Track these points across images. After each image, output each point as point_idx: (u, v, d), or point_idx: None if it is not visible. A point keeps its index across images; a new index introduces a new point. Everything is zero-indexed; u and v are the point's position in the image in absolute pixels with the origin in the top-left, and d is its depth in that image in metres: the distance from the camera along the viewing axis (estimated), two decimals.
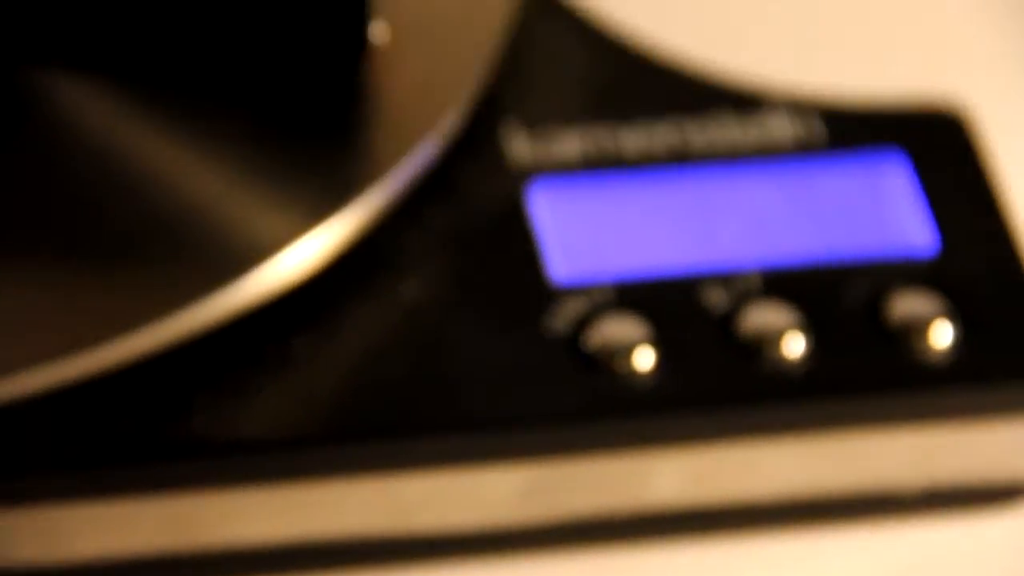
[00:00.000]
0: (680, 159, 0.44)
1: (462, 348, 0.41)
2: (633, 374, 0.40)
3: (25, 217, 0.42)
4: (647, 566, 0.42)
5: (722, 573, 0.43)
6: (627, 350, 0.40)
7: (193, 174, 0.42)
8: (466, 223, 0.43)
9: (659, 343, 0.41)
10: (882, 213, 0.44)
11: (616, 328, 0.41)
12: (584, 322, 0.41)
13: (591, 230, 0.43)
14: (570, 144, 0.44)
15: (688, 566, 0.43)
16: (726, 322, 0.41)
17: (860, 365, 0.41)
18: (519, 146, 0.44)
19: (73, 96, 0.44)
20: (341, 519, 0.41)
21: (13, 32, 0.43)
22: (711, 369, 0.41)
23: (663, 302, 0.42)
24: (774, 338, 0.41)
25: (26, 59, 0.43)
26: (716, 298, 0.42)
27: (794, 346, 0.41)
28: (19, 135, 0.43)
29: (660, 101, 0.45)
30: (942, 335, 0.41)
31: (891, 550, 0.43)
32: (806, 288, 0.42)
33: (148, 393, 0.40)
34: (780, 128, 0.45)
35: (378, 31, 0.42)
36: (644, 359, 0.40)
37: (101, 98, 0.44)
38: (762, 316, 0.41)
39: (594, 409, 0.40)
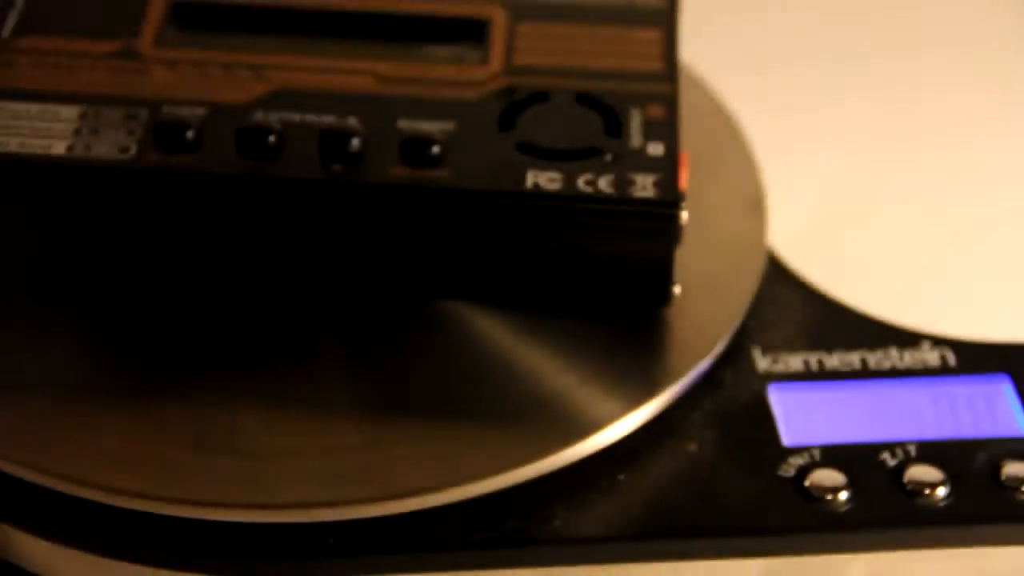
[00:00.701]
0: (865, 375, 0.46)
1: (725, 485, 0.43)
2: (836, 504, 0.43)
3: (437, 391, 0.44)
4: None
5: None
6: (833, 491, 0.43)
7: (550, 371, 0.45)
8: (729, 408, 0.45)
9: (852, 487, 0.43)
10: (995, 411, 0.46)
11: (826, 476, 0.43)
12: (804, 470, 0.44)
13: (809, 415, 0.45)
14: (796, 364, 0.47)
15: None
16: (895, 474, 0.44)
17: (986, 506, 0.43)
18: (761, 362, 0.46)
19: (448, 306, 0.46)
20: None
21: (434, 283, 0.45)
22: (887, 505, 0.43)
23: (855, 461, 0.44)
24: (927, 486, 0.43)
25: (440, 295, 0.46)
26: (888, 459, 0.44)
27: (941, 492, 0.43)
28: (431, 338, 0.46)
29: (852, 337, 0.47)
30: None
31: None
32: (949, 455, 0.44)
33: (528, 505, 0.42)
34: (929, 356, 0.47)
35: (677, 290, 0.45)
36: (843, 496, 0.43)
37: (488, 316, 0.46)
38: (920, 473, 0.44)
39: (810, 525, 0.43)
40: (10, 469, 0.42)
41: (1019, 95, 0.61)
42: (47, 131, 0.44)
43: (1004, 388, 0.47)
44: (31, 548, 0.43)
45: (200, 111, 0.45)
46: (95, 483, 0.41)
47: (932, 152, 0.58)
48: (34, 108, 0.45)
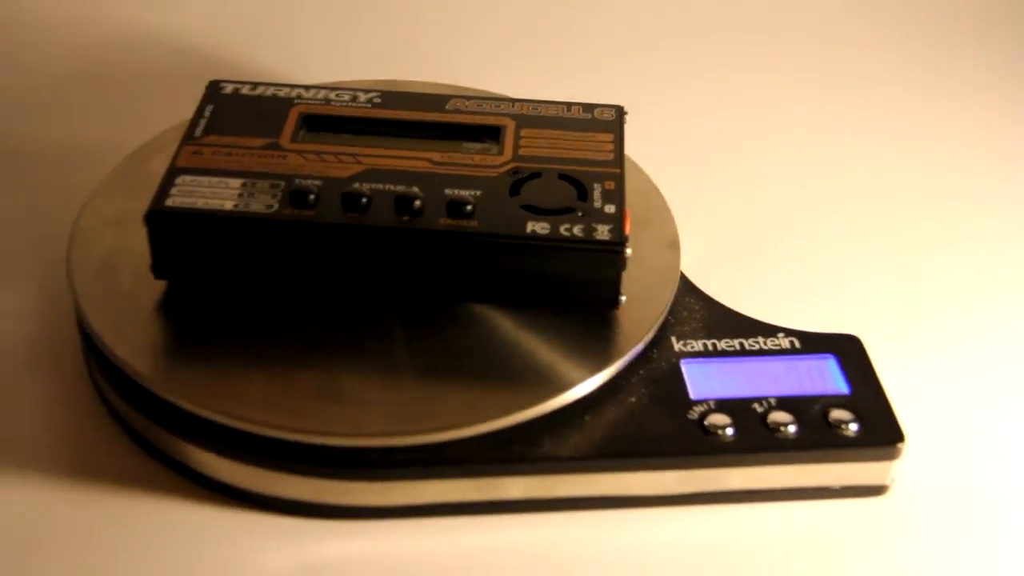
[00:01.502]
0: (742, 354, 0.45)
1: (653, 424, 0.42)
2: (724, 437, 0.42)
3: (467, 362, 0.43)
4: (728, 516, 0.42)
5: (736, 518, 0.42)
6: (722, 428, 0.42)
7: (540, 349, 0.43)
8: (655, 375, 0.44)
9: (735, 425, 0.42)
10: (826, 378, 0.44)
11: (717, 418, 0.43)
12: (705, 415, 0.43)
13: (707, 379, 0.44)
14: (698, 346, 0.45)
15: (730, 516, 0.42)
16: (763, 418, 0.43)
17: (819, 437, 0.42)
18: (676, 345, 0.45)
19: (474, 307, 0.44)
20: (593, 489, 0.42)
21: (459, 292, 0.43)
22: (756, 437, 0.42)
23: (736, 409, 0.43)
24: (784, 425, 0.42)
25: (468, 300, 0.44)
26: (758, 408, 0.43)
27: (791, 428, 0.42)
28: (462, 327, 0.44)
29: (734, 329, 0.46)
30: (852, 426, 0.42)
31: (811, 516, 0.43)
32: (795, 405, 0.43)
33: (525, 435, 0.41)
34: (783, 342, 0.45)
35: (623, 299, 0.43)
36: (729, 431, 0.42)
37: (486, 309, 0.44)
38: (778, 416, 0.43)
39: (708, 449, 0.42)
40: (195, 410, 0.41)
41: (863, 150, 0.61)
42: (220, 195, 0.43)
43: (831, 363, 0.46)
44: (208, 461, 0.42)
45: (319, 182, 0.44)
46: (248, 419, 0.41)
47: (791, 206, 0.57)
48: (213, 180, 0.44)
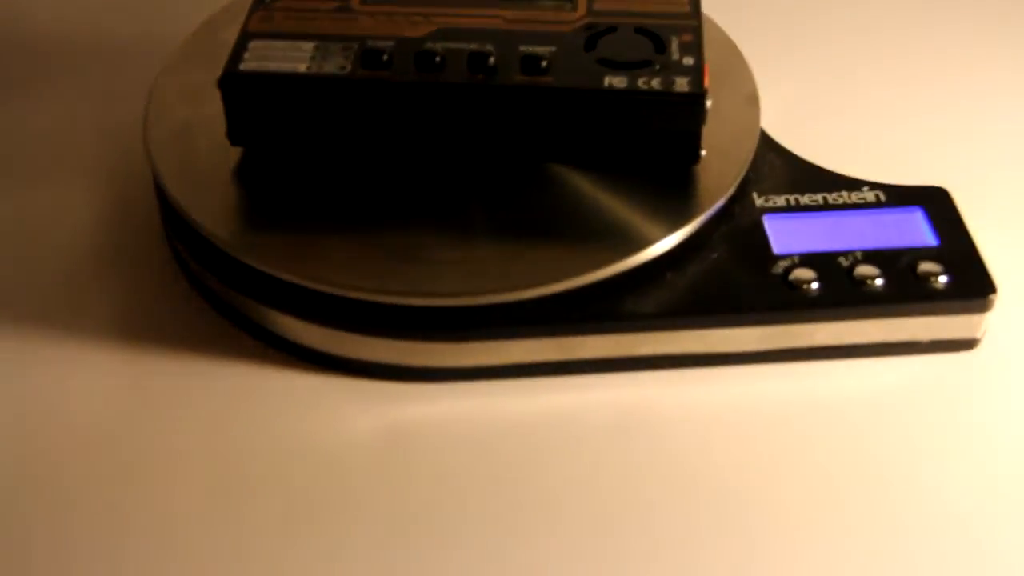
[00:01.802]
0: (826, 208, 0.44)
1: (737, 280, 0.41)
2: (809, 291, 0.41)
3: (546, 222, 0.42)
4: (814, 372, 0.41)
5: (822, 374, 0.41)
6: (807, 282, 0.41)
7: (623, 208, 0.43)
8: (738, 230, 0.43)
9: (820, 279, 0.41)
10: (914, 231, 0.43)
11: (802, 272, 0.41)
12: (789, 269, 0.42)
13: (790, 233, 0.43)
14: (780, 202, 0.44)
15: (812, 372, 0.41)
16: (849, 271, 0.41)
17: (908, 290, 0.41)
18: (758, 200, 0.44)
19: (553, 168, 0.44)
20: (676, 347, 0.41)
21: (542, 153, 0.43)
22: (842, 289, 0.41)
23: (821, 262, 0.42)
24: (871, 278, 0.41)
25: (546, 160, 0.43)
26: (844, 261, 0.42)
27: (879, 281, 0.41)
28: (540, 188, 0.43)
29: (816, 184, 0.45)
30: (941, 279, 0.41)
31: (899, 371, 0.42)
32: (882, 258, 0.42)
33: (607, 293, 0.41)
34: (868, 195, 0.44)
35: (703, 153, 0.42)
36: (814, 285, 0.41)
37: (565, 170, 0.44)
38: (864, 270, 0.41)
39: (792, 304, 0.41)
40: (276, 273, 0.41)
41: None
42: (293, 57, 0.43)
43: (918, 216, 0.44)
44: (289, 324, 0.42)
45: (391, 43, 0.43)
46: (329, 281, 0.40)
47: (871, 61, 0.55)
48: (286, 44, 0.43)
